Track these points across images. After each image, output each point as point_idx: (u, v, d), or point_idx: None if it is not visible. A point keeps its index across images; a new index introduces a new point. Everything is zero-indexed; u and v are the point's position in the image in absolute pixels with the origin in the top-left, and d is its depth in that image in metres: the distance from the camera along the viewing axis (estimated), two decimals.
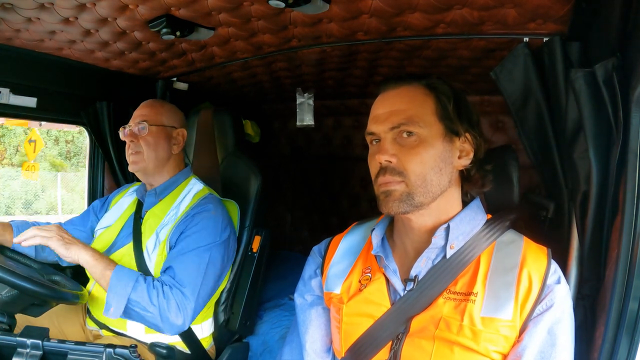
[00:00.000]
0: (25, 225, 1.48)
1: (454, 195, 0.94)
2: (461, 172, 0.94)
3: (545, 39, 1.08)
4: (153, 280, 1.31)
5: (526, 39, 1.13)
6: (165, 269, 1.35)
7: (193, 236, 1.37)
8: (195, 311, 1.33)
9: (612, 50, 0.88)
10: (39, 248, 1.48)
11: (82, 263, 1.26)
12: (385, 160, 0.89)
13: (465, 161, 0.92)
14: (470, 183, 0.94)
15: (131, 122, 1.49)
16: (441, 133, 0.90)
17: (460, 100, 0.93)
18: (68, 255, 1.26)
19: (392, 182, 0.88)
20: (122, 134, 1.50)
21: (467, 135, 0.92)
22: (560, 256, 1.01)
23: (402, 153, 0.88)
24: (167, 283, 1.31)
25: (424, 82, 0.93)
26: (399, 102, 0.92)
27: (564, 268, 1.01)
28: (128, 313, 1.26)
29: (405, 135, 0.89)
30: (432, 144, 0.88)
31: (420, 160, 0.88)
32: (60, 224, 1.59)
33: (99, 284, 1.29)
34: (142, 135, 1.46)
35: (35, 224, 1.51)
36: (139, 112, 1.51)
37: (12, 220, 1.47)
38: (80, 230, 1.60)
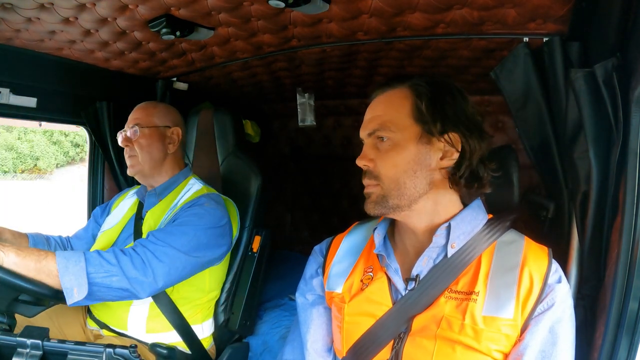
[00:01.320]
0: (39, 237, 1.49)
1: (445, 196, 0.92)
2: (451, 172, 0.91)
3: (545, 39, 1.08)
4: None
5: (526, 39, 1.12)
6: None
7: (181, 219, 1.33)
8: (168, 276, 1.23)
9: (612, 50, 0.88)
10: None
11: (9, 264, 1.03)
12: (364, 165, 0.92)
13: (448, 162, 0.90)
14: (458, 184, 0.91)
15: (126, 127, 1.49)
16: (416, 135, 0.89)
17: (438, 100, 0.90)
18: None
19: (370, 185, 0.92)
20: (119, 139, 1.49)
21: (451, 135, 0.89)
22: (560, 256, 1.02)
23: (378, 157, 0.91)
24: (135, 245, 1.24)
25: (409, 83, 0.92)
26: (378, 108, 0.94)
27: (564, 268, 1.01)
28: (94, 292, 1.12)
29: (380, 140, 0.91)
30: (404, 147, 0.89)
31: (393, 164, 0.89)
32: (68, 237, 1.61)
33: (42, 280, 1.07)
34: (135, 139, 1.45)
35: (49, 237, 1.53)
36: (132, 116, 1.50)
37: (28, 232, 1.48)
38: (84, 242, 1.60)
